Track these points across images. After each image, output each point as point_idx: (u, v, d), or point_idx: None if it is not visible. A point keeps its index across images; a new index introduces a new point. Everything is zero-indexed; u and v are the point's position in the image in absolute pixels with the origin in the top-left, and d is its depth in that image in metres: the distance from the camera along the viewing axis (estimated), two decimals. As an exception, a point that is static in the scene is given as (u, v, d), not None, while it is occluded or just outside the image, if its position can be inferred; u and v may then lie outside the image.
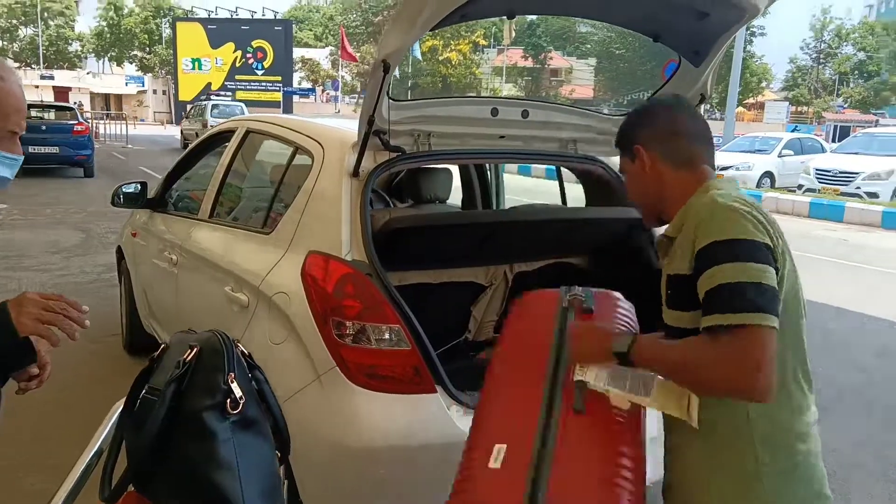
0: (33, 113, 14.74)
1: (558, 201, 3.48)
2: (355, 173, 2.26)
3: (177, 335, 1.24)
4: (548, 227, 2.88)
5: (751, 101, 54.67)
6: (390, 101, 2.23)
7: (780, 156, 16.90)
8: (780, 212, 13.49)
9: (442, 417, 2.07)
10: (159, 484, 1.09)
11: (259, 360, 2.20)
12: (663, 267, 1.41)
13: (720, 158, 17.34)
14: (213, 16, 42.23)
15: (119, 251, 4.42)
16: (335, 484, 2.03)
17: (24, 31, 53.34)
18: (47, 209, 10.39)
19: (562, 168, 3.35)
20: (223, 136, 3.41)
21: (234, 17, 42.11)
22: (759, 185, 16.00)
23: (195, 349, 1.12)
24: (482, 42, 52.13)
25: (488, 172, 3.96)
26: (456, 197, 3.95)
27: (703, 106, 2.76)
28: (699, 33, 2.36)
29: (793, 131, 27.05)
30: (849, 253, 9.53)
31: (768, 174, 16.54)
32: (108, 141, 26.10)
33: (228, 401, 1.07)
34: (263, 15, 43.02)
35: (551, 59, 56.19)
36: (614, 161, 2.89)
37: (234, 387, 1.08)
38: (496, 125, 2.58)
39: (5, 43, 51.66)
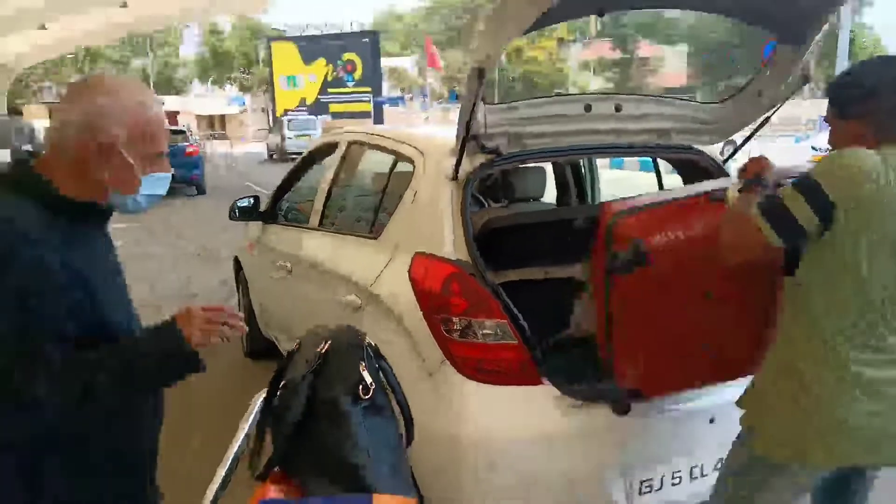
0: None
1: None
2: (455, 177, 2.37)
3: (308, 332, 1.38)
4: None
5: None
6: (485, 105, 2.32)
7: None
8: None
9: (547, 409, 2.13)
10: (302, 463, 1.22)
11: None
12: None
13: (824, 140, 16.24)
14: (303, 33, 43.91)
15: (236, 262, 4.75)
16: (450, 474, 2.13)
17: (136, 63, 57.42)
18: (168, 226, 11.20)
19: (658, 159, 3.33)
20: (327, 149, 3.61)
21: (324, 32, 43.60)
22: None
23: (327, 342, 1.26)
24: (567, 37, 51.45)
25: (582, 168, 3.97)
26: (551, 195, 4.00)
27: (807, 86, 2.70)
28: (796, 14, 2.31)
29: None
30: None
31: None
32: (214, 160, 27.71)
33: (360, 387, 1.19)
34: (351, 28, 44.29)
35: (640, 48, 54.65)
36: (710, 149, 2.87)
37: (365, 374, 1.20)
38: (589, 121, 2.62)
39: (120, 73, 55.84)
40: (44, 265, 1.17)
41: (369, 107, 40.43)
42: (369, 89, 41.79)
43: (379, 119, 37.69)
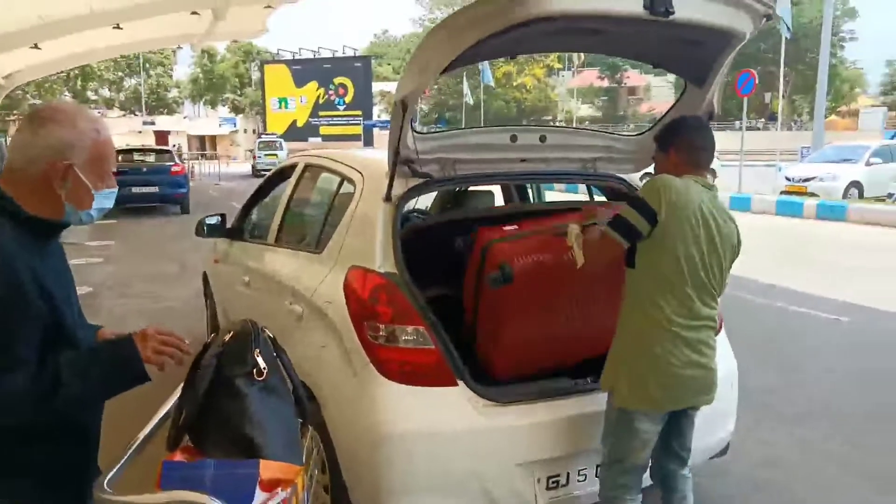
0: (135, 156, 16.12)
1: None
2: (388, 198, 2.61)
3: (223, 327, 1.60)
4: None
5: (844, 108, 52.07)
6: (415, 133, 2.57)
7: (867, 164, 16.17)
8: (866, 222, 12.96)
9: (462, 407, 2.36)
10: (206, 436, 1.43)
11: (310, 361, 2.58)
12: None
13: (803, 170, 16.78)
14: (296, 56, 44.39)
15: (205, 276, 4.97)
16: (370, 464, 2.34)
17: (129, 82, 57.80)
18: (149, 243, 11.38)
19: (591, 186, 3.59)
20: (287, 171, 3.86)
21: (317, 55, 44.11)
22: (845, 195, 15.37)
23: (231, 333, 1.48)
24: (556, 65, 52.31)
25: (530, 191, 4.24)
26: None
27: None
28: (695, 58, 2.59)
29: (892, 138, 25.68)
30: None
31: (855, 184, 15.83)
32: (203, 179, 27.93)
33: (254, 370, 1.42)
34: (344, 52, 44.85)
35: (628, 77, 55.63)
36: (632, 177, 3.13)
37: (259, 359, 1.43)
38: (517, 150, 2.88)
39: (112, 93, 56.16)
40: (17, 282, 1.32)
41: (360, 130, 40.81)
42: (360, 112, 42.25)
43: (369, 142, 38.06)
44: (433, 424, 2.33)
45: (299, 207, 3.74)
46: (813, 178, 15.89)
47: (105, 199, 1.55)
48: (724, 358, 2.77)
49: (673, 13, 2.11)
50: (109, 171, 1.55)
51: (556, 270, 2.54)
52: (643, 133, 3.09)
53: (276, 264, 3.37)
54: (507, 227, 2.67)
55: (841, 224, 13.17)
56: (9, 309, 1.33)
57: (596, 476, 2.49)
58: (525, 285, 2.49)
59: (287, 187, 3.66)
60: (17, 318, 1.34)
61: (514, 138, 2.84)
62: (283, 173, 3.98)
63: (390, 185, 2.59)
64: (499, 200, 4.07)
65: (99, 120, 1.56)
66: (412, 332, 2.39)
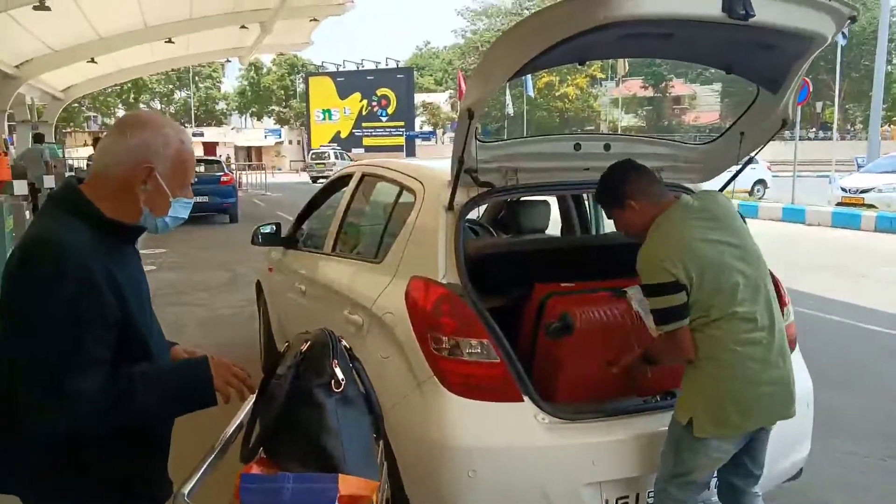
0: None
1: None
2: (450, 207, 2.57)
3: (297, 335, 1.58)
4: (628, 248, 3.05)
5: (900, 117, 50.37)
6: (478, 142, 2.53)
7: (927, 174, 15.56)
8: (927, 234, 12.46)
9: (527, 423, 2.29)
10: (282, 448, 1.41)
11: (371, 373, 2.55)
12: None
13: (860, 180, 16.23)
14: (340, 68, 45.08)
15: (258, 285, 5.01)
16: (434, 478, 2.30)
17: (179, 95, 59.44)
18: (200, 252, 11.61)
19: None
20: (343, 180, 3.86)
21: (360, 68, 44.71)
22: (905, 206, 14.80)
23: (308, 343, 1.45)
24: (599, 75, 51.91)
25: (585, 202, 4.16)
26: (557, 227, 4.19)
27: (789, 129, 2.86)
28: (770, 63, 2.49)
29: (950, 147, 24.74)
30: None
31: (916, 194, 15.23)
32: (250, 189, 28.45)
33: (332, 381, 1.38)
34: (387, 64, 45.34)
35: (672, 87, 54.86)
36: (699, 187, 3.03)
37: (337, 370, 1.39)
38: (580, 159, 2.81)
39: (163, 106, 57.83)
40: (93, 282, 1.34)
41: (402, 140, 41.21)
42: (402, 123, 42.67)
43: (411, 153, 38.35)
44: (498, 440, 2.27)
45: (357, 216, 3.74)
46: (871, 189, 15.36)
47: (181, 208, 1.57)
48: (800, 376, 2.65)
49: (753, 16, 2.03)
50: (188, 182, 1.58)
51: (615, 320, 2.54)
52: (710, 142, 2.99)
53: (334, 273, 3.36)
54: (564, 285, 2.72)
55: (902, 236, 12.69)
56: (83, 308, 1.33)
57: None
58: (585, 334, 2.48)
59: (344, 196, 3.65)
60: (91, 317, 1.35)
61: (577, 147, 2.78)
62: (338, 183, 3.99)
63: (453, 194, 2.55)
64: (554, 209, 4.00)
65: (184, 131, 1.59)
66: (476, 345, 2.34)
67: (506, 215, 4.08)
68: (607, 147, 2.83)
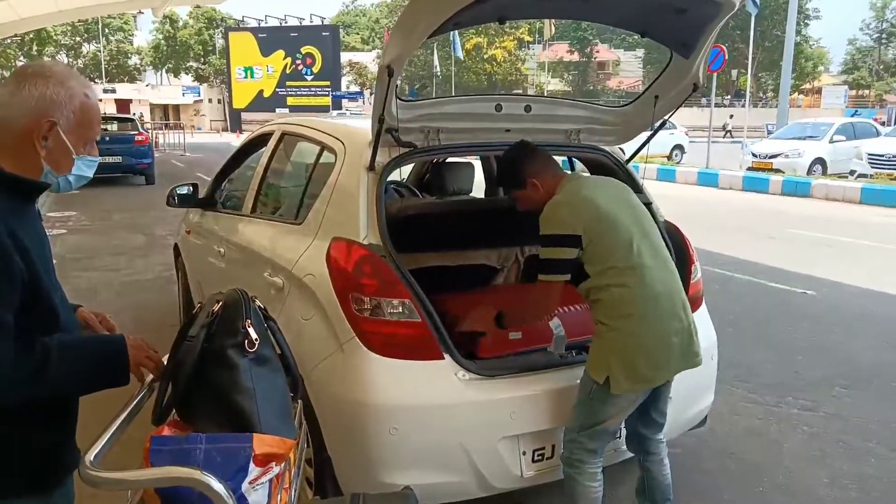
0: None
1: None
2: (371, 167, 2.54)
3: (209, 296, 1.54)
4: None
5: (808, 86, 52.99)
6: (399, 101, 2.50)
7: (831, 142, 16.49)
8: (830, 199, 13.26)
9: (449, 380, 2.34)
10: (195, 409, 1.38)
11: (292, 334, 2.54)
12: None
13: (769, 146, 17.05)
14: (262, 24, 43.41)
15: (176, 248, 4.85)
16: (356, 437, 2.32)
17: (87, 48, 55.90)
18: (113, 215, 11.09)
19: (573, 158, 3.57)
20: (263, 139, 3.75)
21: (284, 24, 43.19)
22: (809, 171, 15.68)
23: (221, 303, 1.43)
24: (527, 38, 52.04)
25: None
26: (481, 189, 4.22)
27: (699, 92, 2.95)
28: (682, 27, 2.56)
29: (852, 116, 26.21)
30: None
31: (819, 161, 16.16)
32: (168, 150, 27.29)
33: (246, 341, 1.36)
34: (311, 21, 43.96)
35: (598, 52, 55.65)
36: (614, 149, 3.11)
37: (251, 330, 1.37)
38: (501, 120, 2.83)
39: (70, 59, 54.27)
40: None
41: (328, 101, 40.30)
42: (328, 83, 41.64)
43: (339, 111, 37.51)
44: (419, 397, 2.31)
45: (276, 177, 3.65)
46: (779, 155, 16.16)
47: (86, 166, 1.48)
48: (705, 331, 2.80)
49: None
50: (93, 139, 1.48)
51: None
52: (627, 104, 3.06)
53: (253, 235, 3.29)
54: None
55: (805, 200, 13.45)
56: None
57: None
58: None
59: (263, 156, 3.55)
60: None
61: (498, 108, 2.79)
62: (257, 141, 3.87)
63: (374, 154, 2.53)
64: (478, 172, 4.02)
65: (89, 85, 1.48)
66: (398, 305, 2.35)
67: (431, 177, 4.08)
68: (528, 108, 2.85)
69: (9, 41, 41.79)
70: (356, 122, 3.13)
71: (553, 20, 47.76)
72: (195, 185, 4.24)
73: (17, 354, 1.27)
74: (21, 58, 49.18)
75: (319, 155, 3.02)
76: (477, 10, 2.17)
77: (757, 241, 9.00)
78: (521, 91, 51.47)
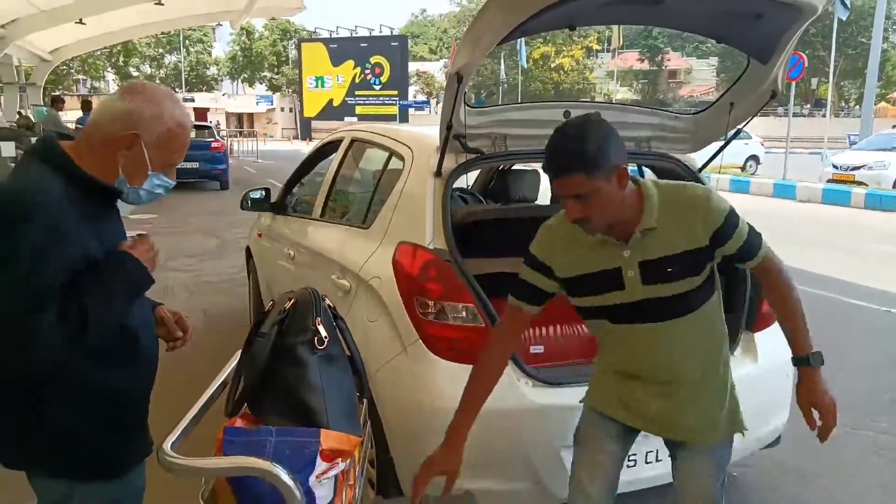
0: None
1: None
2: (438, 173, 2.57)
3: (281, 295, 1.59)
4: None
5: (894, 95, 50.35)
6: (467, 107, 2.52)
7: (919, 153, 15.59)
8: (917, 213, 12.56)
9: (511, 386, 2.33)
10: (266, 404, 1.43)
11: (358, 335, 2.58)
12: (639, 252, 1.75)
13: (852, 157, 16.25)
14: (333, 34, 44.44)
15: (248, 251, 5.01)
16: (419, 439, 2.33)
17: (169, 59, 58.55)
18: (189, 218, 11.55)
19: (642, 166, 3.50)
20: (333, 146, 3.84)
21: (354, 34, 44.10)
22: (895, 185, 14.88)
23: (292, 301, 1.47)
24: (595, 46, 51.44)
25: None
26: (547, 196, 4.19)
27: (775, 101, 2.85)
28: (760, 32, 2.48)
29: (943, 126, 24.74)
30: None
31: (906, 173, 15.29)
32: (241, 156, 28.24)
33: (316, 339, 1.40)
34: (381, 32, 44.73)
35: (669, 60, 54.49)
36: (687, 158, 3.04)
37: (321, 328, 1.41)
38: (570, 127, 2.80)
39: (153, 70, 56.97)
40: (60, 228, 1.35)
41: (395, 110, 40.83)
42: (396, 92, 42.22)
43: (404, 122, 38.03)
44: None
45: (346, 182, 3.73)
46: (861, 167, 15.40)
47: (159, 184, 1.57)
48: (777, 348, 2.70)
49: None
50: (173, 164, 1.57)
51: None
52: (699, 112, 2.99)
53: (322, 239, 3.37)
54: None
55: (891, 214, 12.77)
56: (46, 254, 1.33)
57: (646, 462, 2.44)
58: None
59: (333, 162, 3.64)
60: (52, 262, 1.34)
61: (567, 114, 2.77)
62: (328, 148, 3.97)
63: (441, 160, 2.56)
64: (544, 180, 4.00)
65: (186, 116, 1.57)
66: (462, 310, 2.36)
67: (496, 184, 4.09)
68: (597, 115, 2.82)
69: (98, 53, 44.16)
70: (424, 129, 3.17)
71: (622, 28, 47.12)
72: (268, 190, 4.39)
73: (58, 318, 1.33)
74: (109, 69, 51.95)
75: (388, 161, 3.08)
76: (547, 17, 2.17)
77: (836, 256, 8.60)
78: (589, 100, 50.89)
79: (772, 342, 2.67)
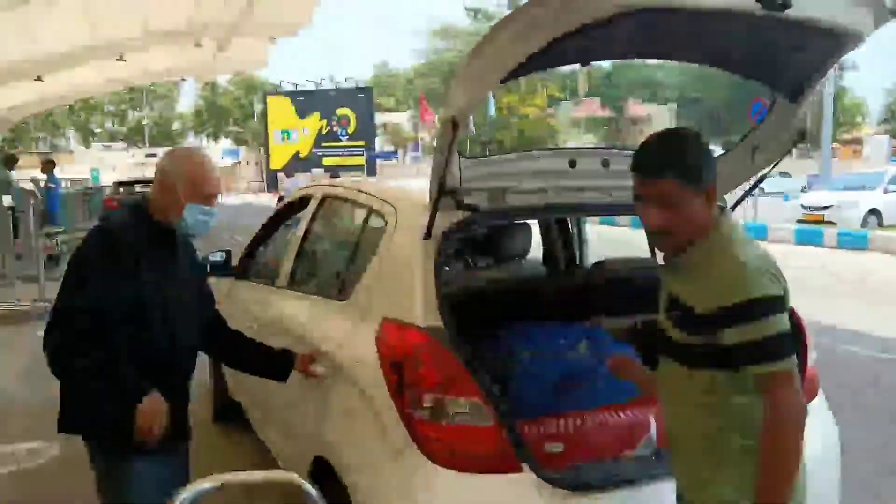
0: (137, 188, 15.84)
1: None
2: (427, 235, 2.16)
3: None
4: (631, 282, 2.70)
5: (846, 136, 52.07)
6: (461, 158, 2.14)
7: (885, 192, 15.76)
8: (891, 252, 12.50)
9: (529, 497, 1.88)
10: None
11: (336, 434, 2.12)
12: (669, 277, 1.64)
13: (820, 197, 16.33)
14: (299, 88, 44.50)
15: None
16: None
17: (132, 114, 58.02)
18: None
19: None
20: (302, 202, 3.42)
21: (319, 87, 44.19)
22: (864, 223, 14.94)
23: None
24: (558, 94, 52.40)
25: (570, 225, 3.79)
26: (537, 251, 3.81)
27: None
28: (794, 67, 2.17)
29: (898, 165, 25.28)
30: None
31: (874, 212, 15.42)
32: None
33: None
34: (346, 83, 44.93)
35: (629, 107, 55.77)
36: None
37: None
38: (576, 177, 2.45)
39: (116, 125, 56.29)
40: (114, 251, 1.90)
41: (362, 160, 40.73)
42: (363, 143, 42.16)
43: (372, 173, 37.95)
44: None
45: (317, 245, 3.30)
46: (830, 206, 15.47)
47: (199, 213, 2.02)
48: (826, 428, 2.33)
49: (789, 6, 1.69)
50: (207, 195, 2.04)
51: None
52: (720, 157, 2.65)
53: (290, 312, 2.92)
54: None
55: (865, 253, 12.73)
56: (96, 266, 1.89)
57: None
58: None
59: (302, 221, 3.21)
60: (99, 275, 1.87)
61: (573, 164, 2.41)
62: (296, 206, 3.55)
63: (432, 219, 2.14)
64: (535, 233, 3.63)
65: (203, 156, 2.13)
66: (465, 405, 1.92)
67: (483, 239, 3.69)
68: (605, 164, 2.47)
69: (58, 109, 43.48)
70: (408, 182, 2.78)
71: (588, 75, 48.06)
72: (229, 252, 3.91)
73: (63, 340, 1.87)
74: (69, 126, 51.16)
75: (367, 220, 2.66)
76: (558, 51, 1.82)
77: (822, 299, 8.37)
78: (551, 147, 51.42)
79: (819, 423, 2.29)
